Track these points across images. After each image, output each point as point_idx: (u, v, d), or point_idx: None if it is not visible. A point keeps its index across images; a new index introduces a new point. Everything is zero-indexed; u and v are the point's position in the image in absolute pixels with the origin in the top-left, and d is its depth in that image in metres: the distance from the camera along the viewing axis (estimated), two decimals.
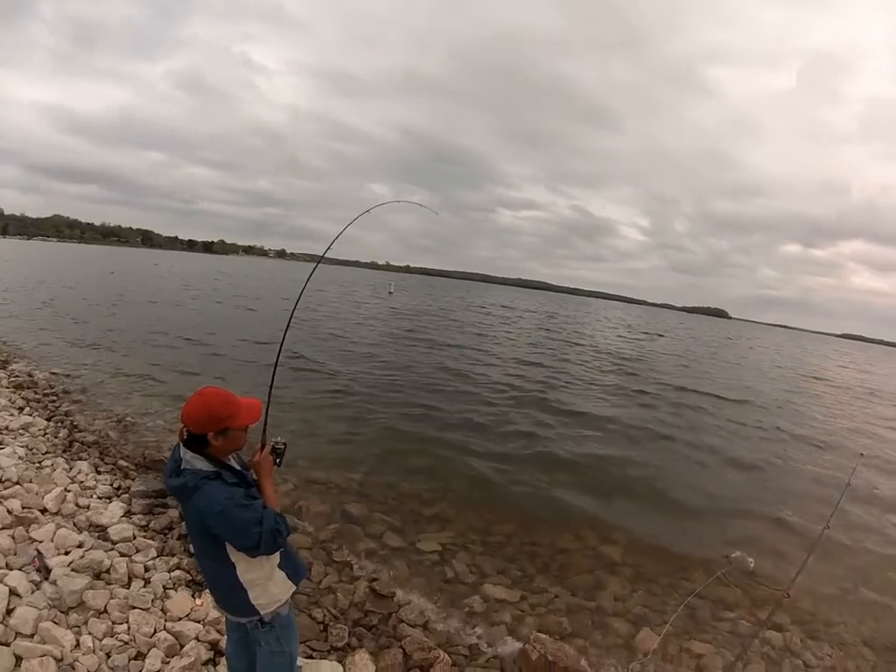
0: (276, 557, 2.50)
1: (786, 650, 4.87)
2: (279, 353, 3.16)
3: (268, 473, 2.55)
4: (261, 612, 2.47)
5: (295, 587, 2.62)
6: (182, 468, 2.28)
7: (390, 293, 58.14)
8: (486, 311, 49.20)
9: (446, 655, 4.10)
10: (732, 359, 34.96)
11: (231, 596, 2.46)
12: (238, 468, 2.46)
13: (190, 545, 4.70)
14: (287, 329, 3.19)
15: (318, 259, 4.00)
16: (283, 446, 2.66)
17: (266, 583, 2.45)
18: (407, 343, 20.25)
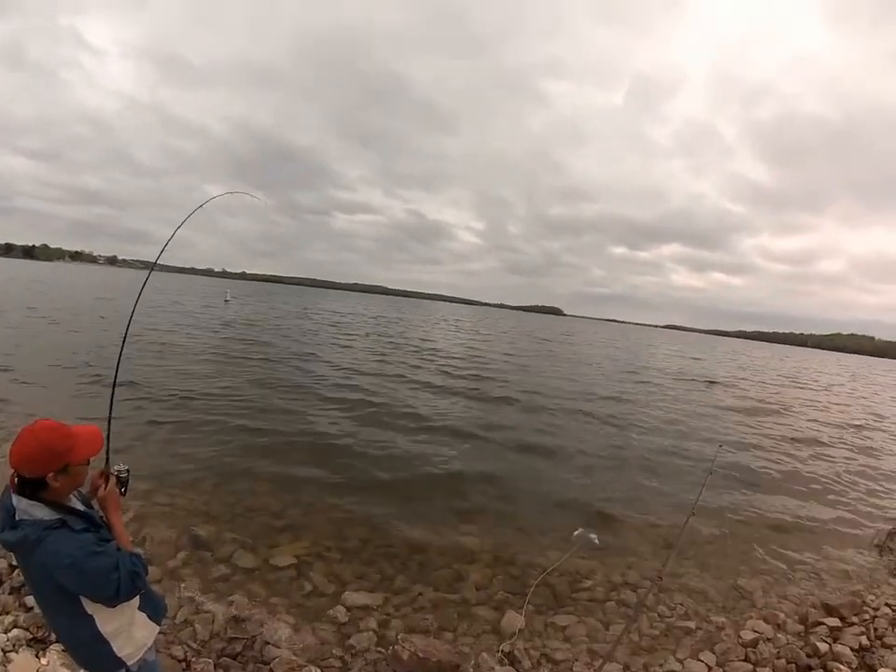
0: (136, 599, 2.30)
1: (641, 606, 5.42)
2: (116, 371, 2.98)
3: (116, 507, 2.35)
4: (128, 663, 2.29)
5: (158, 627, 2.48)
6: (18, 518, 2.01)
7: (226, 301, 55.41)
8: (323, 318, 48.17)
9: (318, 670, 4.10)
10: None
11: (93, 652, 2.22)
12: (82, 508, 2.24)
13: (27, 599, 4.26)
14: (122, 346, 3.02)
15: (151, 267, 3.82)
16: (126, 473, 2.46)
17: (129, 629, 2.28)
18: (243, 356, 19.24)
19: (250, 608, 4.85)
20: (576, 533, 6.70)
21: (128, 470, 2.46)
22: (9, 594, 4.48)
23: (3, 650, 3.79)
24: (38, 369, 13.46)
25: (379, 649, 4.51)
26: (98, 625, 2.16)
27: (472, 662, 4.35)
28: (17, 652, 3.81)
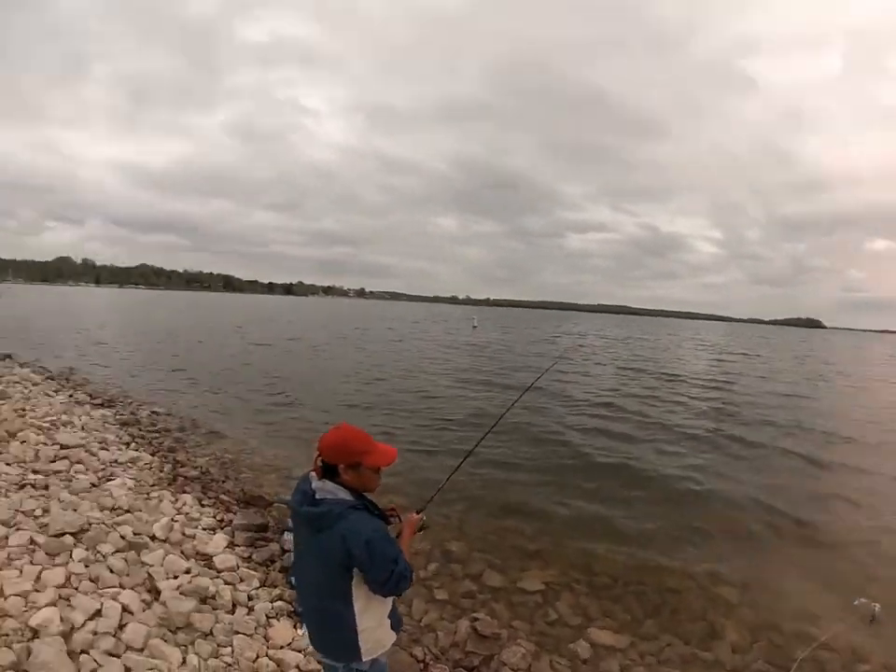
0: (389, 604, 2.48)
1: None
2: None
3: (413, 532, 2.65)
4: (364, 658, 2.39)
5: (395, 637, 2.57)
6: (319, 497, 2.28)
7: (474, 327, 58.51)
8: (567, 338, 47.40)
9: None
10: None
11: (339, 637, 2.37)
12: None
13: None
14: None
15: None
16: (425, 524, 2.78)
17: (377, 629, 2.41)
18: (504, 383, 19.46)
19: (493, 626, 4.78)
20: (857, 602, 5.48)
21: (427, 525, 2.81)
22: (279, 571, 5.01)
23: (267, 615, 4.22)
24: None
25: None
26: (355, 613, 2.31)
27: None
28: (278, 620, 4.20)
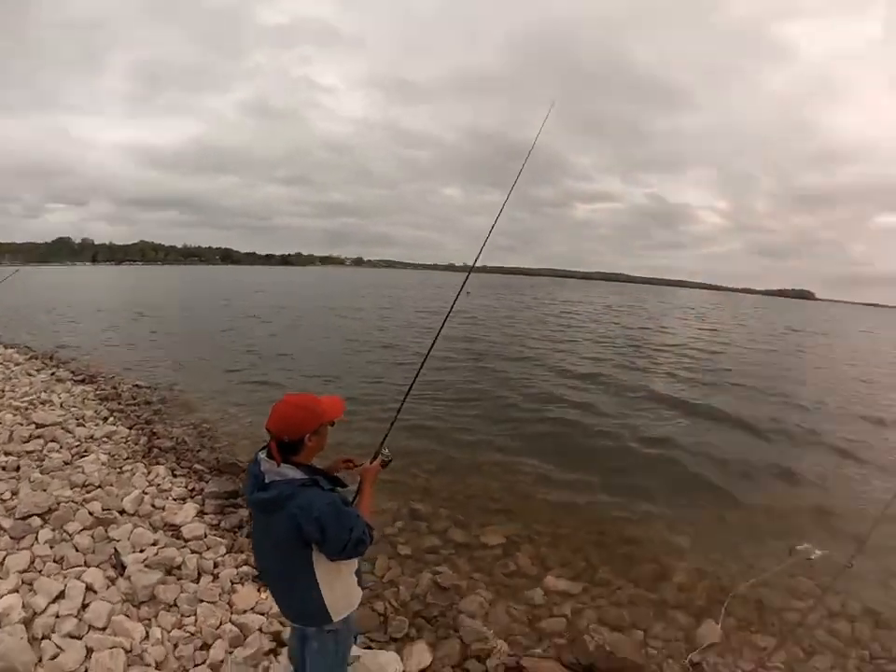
0: (355, 564, 2.56)
1: (854, 641, 4.63)
2: (422, 363, 3.40)
3: (373, 481, 2.70)
4: (334, 619, 2.47)
5: (361, 592, 2.66)
6: (268, 481, 2.29)
7: (468, 293, 57.88)
8: (551, 309, 47.44)
9: (504, 644, 4.11)
10: None
11: (306, 605, 2.44)
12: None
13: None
14: (436, 338, 3.51)
15: (469, 269, 4.33)
16: (389, 458, 2.82)
17: (344, 590, 2.49)
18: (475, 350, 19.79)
19: (453, 579, 5.03)
20: (800, 547, 5.76)
21: (391, 457, 2.83)
22: (246, 536, 5.18)
23: (232, 581, 4.40)
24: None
25: (567, 635, 4.39)
26: (319, 583, 2.37)
27: (657, 666, 4.03)
28: (243, 585, 4.39)
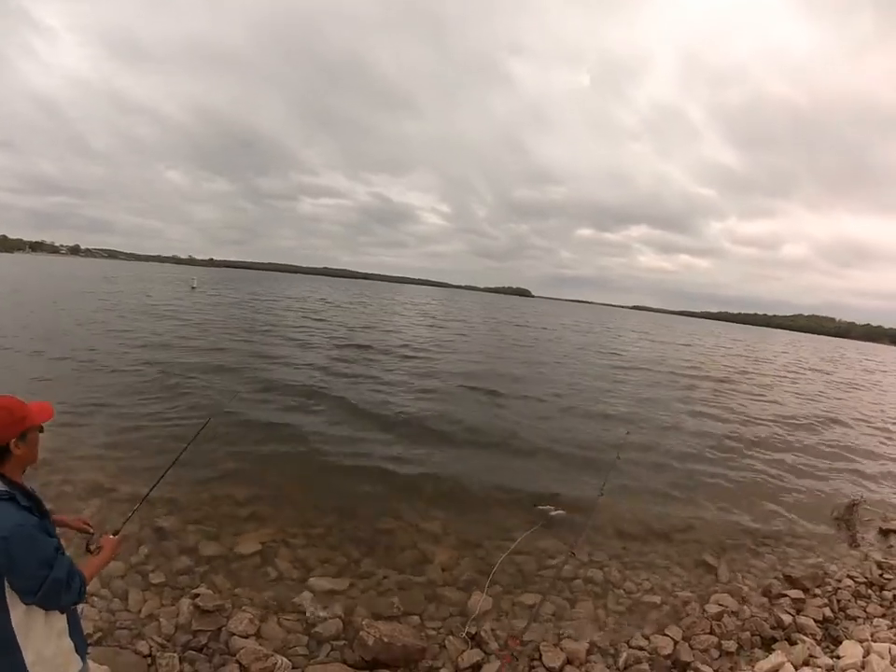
0: (64, 623, 2.11)
1: (608, 583, 5.57)
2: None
3: (112, 555, 2.41)
4: None
5: (81, 664, 2.20)
6: None
7: (193, 288, 54.89)
8: (272, 304, 46.55)
9: (284, 659, 4.02)
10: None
11: (1, 657, 1.92)
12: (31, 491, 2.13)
13: None
14: None
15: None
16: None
17: (52, 655, 2.03)
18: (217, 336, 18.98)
19: (215, 599, 4.74)
20: (539, 508, 6.81)
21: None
22: None
23: None
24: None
25: (345, 635, 4.47)
26: (13, 623, 1.91)
27: (438, 645, 4.35)
28: None
